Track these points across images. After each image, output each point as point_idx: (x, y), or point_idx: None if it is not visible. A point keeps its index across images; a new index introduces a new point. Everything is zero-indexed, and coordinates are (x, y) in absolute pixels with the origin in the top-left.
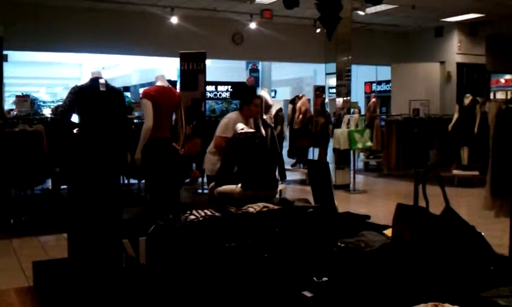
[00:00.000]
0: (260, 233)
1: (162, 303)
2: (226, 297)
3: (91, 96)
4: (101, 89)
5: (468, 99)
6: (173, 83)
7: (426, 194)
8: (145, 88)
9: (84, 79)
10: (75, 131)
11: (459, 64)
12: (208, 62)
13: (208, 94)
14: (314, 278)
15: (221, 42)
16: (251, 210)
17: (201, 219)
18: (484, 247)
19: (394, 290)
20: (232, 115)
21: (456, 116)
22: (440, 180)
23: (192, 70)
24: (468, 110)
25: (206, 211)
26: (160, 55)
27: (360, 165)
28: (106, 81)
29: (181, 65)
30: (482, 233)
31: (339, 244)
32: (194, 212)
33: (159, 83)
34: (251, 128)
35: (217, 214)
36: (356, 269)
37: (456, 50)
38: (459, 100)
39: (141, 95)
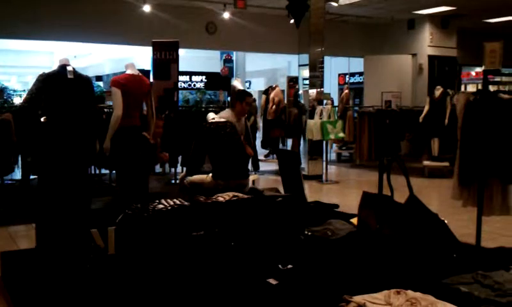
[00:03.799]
0: (229, 222)
1: (131, 292)
2: (192, 285)
3: (59, 84)
4: (69, 76)
5: (438, 91)
6: (146, 72)
7: (391, 182)
8: (114, 76)
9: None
10: (42, 119)
11: (430, 57)
12: (182, 52)
13: (182, 85)
14: (280, 266)
15: (194, 31)
16: (220, 199)
17: (169, 208)
18: (447, 235)
19: (358, 277)
20: (224, 114)
21: (426, 107)
22: (404, 169)
23: (165, 59)
24: (438, 102)
25: (175, 200)
26: (133, 44)
27: (333, 156)
28: (74, 68)
29: (154, 54)
30: (446, 221)
31: (306, 232)
32: (162, 201)
33: (128, 71)
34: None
35: (186, 203)
36: (322, 257)
37: (427, 42)
38: (430, 92)
39: (110, 83)
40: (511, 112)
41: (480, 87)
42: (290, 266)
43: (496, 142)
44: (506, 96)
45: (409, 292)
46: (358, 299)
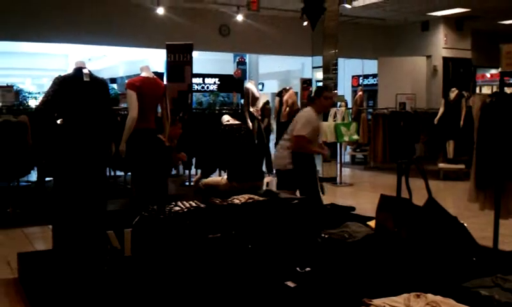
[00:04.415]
0: (245, 224)
1: (147, 294)
2: (210, 288)
3: (75, 86)
4: (85, 79)
5: (453, 93)
6: (160, 75)
7: (409, 185)
8: (130, 79)
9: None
10: (58, 122)
11: (445, 59)
12: (195, 54)
13: (195, 87)
14: (297, 268)
15: (208, 34)
16: (236, 201)
17: (185, 210)
18: (467, 238)
19: (377, 280)
20: (305, 113)
21: (441, 110)
22: (422, 172)
23: (179, 62)
24: (453, 104)
25: (191, 202)
26: (147, 46)
27: (347, 158)
28: (90, 71)
29: (167, 57)
30: (465, 224)
31: (323, 235)
32: (179, 203)
33: (143, 74)
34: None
35: (202, 206)
36: (339, 260)
37: (442, 44)
38: (445, 94)
39: (125, 86)
40: None
41: (496, 89)
42: (308, 269)
43: None
44: None
45: (430, 296)
46: (377, 302)
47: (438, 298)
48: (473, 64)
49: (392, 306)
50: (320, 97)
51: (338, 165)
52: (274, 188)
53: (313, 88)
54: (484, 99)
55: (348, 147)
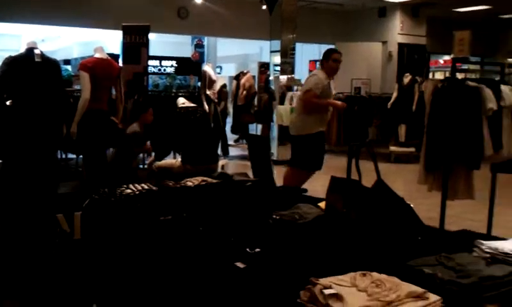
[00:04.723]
0: (197, 207)
1: (96, 278)
2: (159, 270)
3: (26, 67)
4: (36, 59)
5: (407, 78)
6: (116, 57)
7: (359, 167)
8: (83, 60)
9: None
10: (8, 103)
11: (400, 45)
12: (153, 36)
13: (152, 69)
14: (247, 249)
15: (166, 16)
16: (189, 184)
17: (137, 192)
18: (413, 219)
19: (326, 260)
20: (313, 76)
21: (395, 94)
22: (372, 155)
23: (135, 43)
24: (407, 89)
25: (143, 185)
26: (103, 27)
27: None
28: (42, 52)
29: (123, 38)
30: (412, 205)
31: (274, 216)
32: (130, 186)
33: (97, 55)
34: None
35: (154, 188)
36: (290, 240)
37: (398, 30)
38: (399, 80)
39: (78, 67)
40: (477, 99)
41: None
42: (258, 250)
43: (461, 128)
44: (473, 83)
45: (375, 274)
46: (324, 281)
47: (383, 276)
48: (427, 51)
49: (338, 285)
50: (329, 60)
51: None
52: (229, 171)
53: (271, 72)
54: (436, 84)
55: None
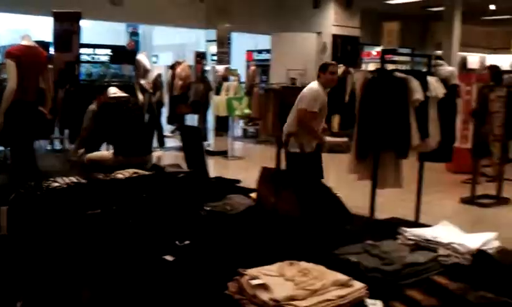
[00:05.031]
0: (127, 200)
1: (24, 273)
2: (87, 265)
3: None
4: None
5: (340, 69)
6: (46, 44)
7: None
8: (8, 48)
9: None
10: None
11: (334, 36)
12: (87, 23)
13: (86, 58)
14: (177, 242)
15: (98, 2)
16: (120, 176)
17: (65, 186)
18: (340, 208)
19: (255, 251)
20: (313, 86)
21: None
22: (300, 145)
23: (66, 31)
24: (340, 80)
25: (71, 178)
26: (32, 13)
27: (239, 132)
28: None
29: (54, 25)
30: (338, 194)
31: (206, 207)
32: (58, 179)
33: (24, 42)
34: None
35: (83, 181)
36: (220, 231)
37: (332, 21)
38: None
39: (4, 55)
40: (404, 90)
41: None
42: (187, 242)
43: (390, 118)
44: (400, 75)
45: (302, 263)
46: (252, 271)
47: (310, 265)
48: (360, 42)
49: (266, 275)
50: (326, 72)
51: (229, 138)
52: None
53: (208, 61)
54: (366, 75)
55: (240, 121)
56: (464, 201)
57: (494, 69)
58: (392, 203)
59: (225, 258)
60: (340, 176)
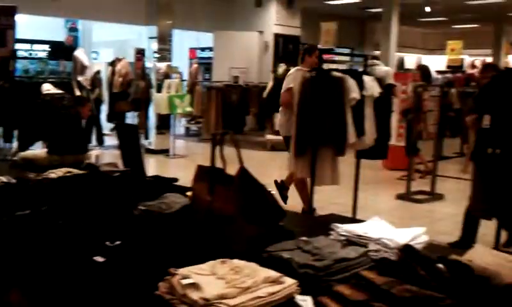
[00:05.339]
0: (59, 200)
1: None
2: (16, 266)
3: None
4: None
5: (281, 68)
6: None
7: (224, 155)
8: None
9: None
10: None
11: (276, 35)
12: (24, 18)
13: (23, 53)
14: (107, 243)
15: None
16: (52, 175)
17: None
18: (274, 205)
19: (189, 250)
20: (292, 70)
21: (270, 84)
22: (235, 143)
23: (1, 25)
24: (281, 79)
25: (1, 178)
26: None
27: (182, 130)
28: None
29: None
30: (273, 192)
31: (140, 207)
32: None
33: None
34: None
35: (12, 181)
36: (154, 231)
37: (273, 20)
38: (275, 69)
39: None
40: (341, 89)
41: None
42: (118, 242)
43: (327, 117)
44: (337, 74)
45: (234, 261)
46: (183, 271)
47: (242, 263)
48: (301, 41)
49: (198, 274)
50: (312, 55)
51: (171, 137)
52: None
53: (150, 59)
54: (305, 74)
55: (182, 119)
56: (400, 197)
57: (423, 69)
58: (330, 200)
59: (158, 258)
60: (281, 174)
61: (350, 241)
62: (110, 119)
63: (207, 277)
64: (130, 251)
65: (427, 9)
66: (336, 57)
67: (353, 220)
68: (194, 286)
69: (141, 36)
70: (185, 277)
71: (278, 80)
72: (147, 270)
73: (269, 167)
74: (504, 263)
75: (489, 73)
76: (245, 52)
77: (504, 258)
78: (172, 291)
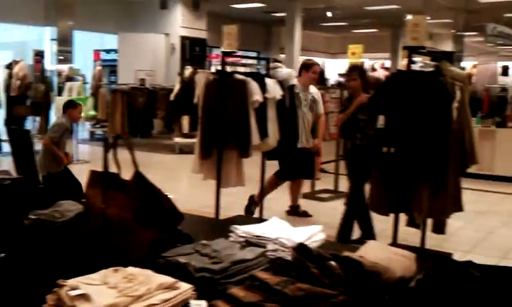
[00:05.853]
0: None
1: None
2: None
3: None
4: None
5: (188, 71)
6: None
7: (118, 160)
8: None
9: None
10: None
11: (182, 37)
12: None
13: None
14: None
15: None
16: None
17: None
18: (171, 209)
19: (82, 260)
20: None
21: (177, 86)
22: (129, 146)
23: None
24: (188, 81)
25: None
26: None
27: (86, 134)
28: None
29: None
30: (170, 196)
31: (31, 216)
32: None
33: None
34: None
35: None
36: (44, 242)
37: (179, 23)
38: (181, 72)
39: None
40: (244, 91)
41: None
42: (2, 254)
43: (231, 119)
44: (240, 76)
45: (128, 269)
46: (72, 282)
47: (136, 270)
48: (207, 44)
49: (88, 284)
50: (309, 71)
51: (74, 141)
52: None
53: (52, 61)
54: (208, 76)
55: (87, 123)
56: (306, 196)
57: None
58: (239, 202)
59: (47, 269)
60: (189, 176)
61: (249, 242)
62: (8, 124)
63: (97, 287)
64: (17, 263)
65: (329, 14)
66: (244, 61)
67: (260, 220)
68: (84, 297)
69: (41, 37)
70: (73, 288)
71: (185, 82)
72: (34, 283)
73: (177, 170)
74: (395, 257)
75: (354, 75)
76: (151, 55)
77: (395, 253)
78: (60, 304)
